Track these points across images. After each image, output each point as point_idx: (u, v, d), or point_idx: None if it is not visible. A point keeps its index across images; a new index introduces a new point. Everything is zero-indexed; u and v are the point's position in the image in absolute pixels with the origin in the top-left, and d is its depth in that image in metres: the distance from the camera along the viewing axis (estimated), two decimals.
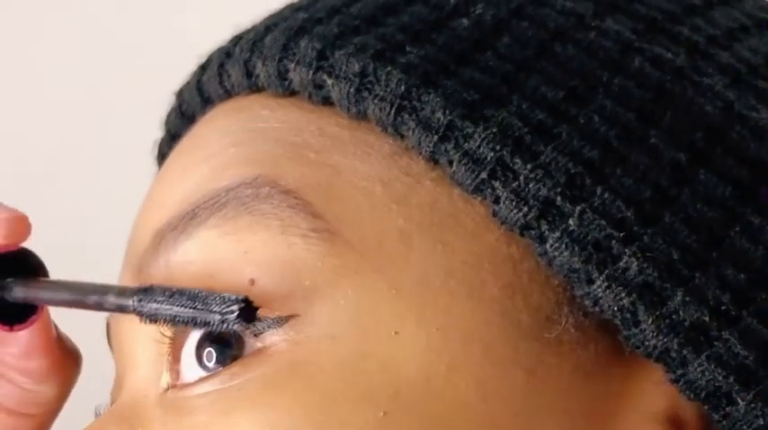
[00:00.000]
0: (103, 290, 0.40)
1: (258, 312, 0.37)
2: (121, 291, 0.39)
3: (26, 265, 0.42)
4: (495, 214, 0.37)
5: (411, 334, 0.36)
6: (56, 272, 0.42)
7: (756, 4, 0.45)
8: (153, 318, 0.38)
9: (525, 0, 0.41)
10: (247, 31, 0.45)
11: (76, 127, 0.80)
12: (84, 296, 0.40)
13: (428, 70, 0.39)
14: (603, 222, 0.36)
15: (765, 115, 0.39)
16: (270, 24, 0.43)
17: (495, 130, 0.37)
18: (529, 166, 0.37)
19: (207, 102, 0.46)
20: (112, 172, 0.77)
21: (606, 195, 0.37)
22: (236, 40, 0.45)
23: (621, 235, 0.36)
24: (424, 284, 0.37)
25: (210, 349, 0.39)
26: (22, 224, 0.41)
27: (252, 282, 0.38)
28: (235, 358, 0.38)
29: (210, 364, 0.39)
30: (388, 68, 0.39)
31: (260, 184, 0.39)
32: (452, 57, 0.39)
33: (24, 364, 0.42)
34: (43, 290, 0.41)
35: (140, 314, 0.38)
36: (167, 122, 0.49)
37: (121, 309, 0.39)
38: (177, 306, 0.38)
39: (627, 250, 0.36)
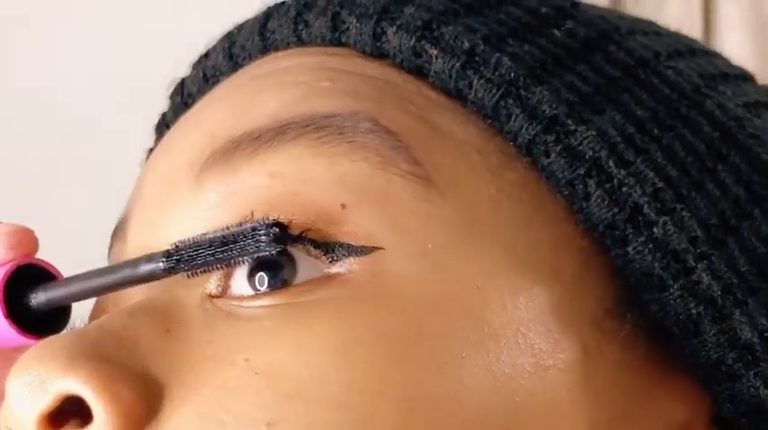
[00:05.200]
0: (130, 264, 0.38)
1: (340, 239, 0.37)
2: (149, 258, 0.38)
3: (44, 277, 0.40)
4: (580, 210, 0.39)
5: (493, 292, 0.38)
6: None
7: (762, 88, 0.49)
8: (193, 270, 0.37)
9: (610, 27, 0.44)
10: None
11: (76, 126, 0.80)
12: (109, 278, 0.39)
13: (533, 65, 0.41)
14: (683, 236, 0.39)
15: None
16: None
17: (594, 133, 0.40)
18: (623, 172, 0.39)
19: (268, 47, 0.45)
20: (113, 171, 0.77)
21: (684, 213, 0.39)
22: None
23: (698, 251, 0.39)
24: (508, 252, 0.38)
25: (263, 274, 0.38)
26: (25, 235, 0.40)
27: (343, 206, 0.38)
28: (285, 283, 0.38)
29: (262, 288, 0.38)
30: (498, 54, 0.41)
31: (360, 119, 0.39)
32: (552, 59, 0.41)
33: None
34: (65, 288, 0.40)
35: (176, 272, 0.37)
36: (203, 62, 0.48)
37: (153, 277, 0.38)
38: (211, 251, 0.37)
39: (699, 265, 0.39)
